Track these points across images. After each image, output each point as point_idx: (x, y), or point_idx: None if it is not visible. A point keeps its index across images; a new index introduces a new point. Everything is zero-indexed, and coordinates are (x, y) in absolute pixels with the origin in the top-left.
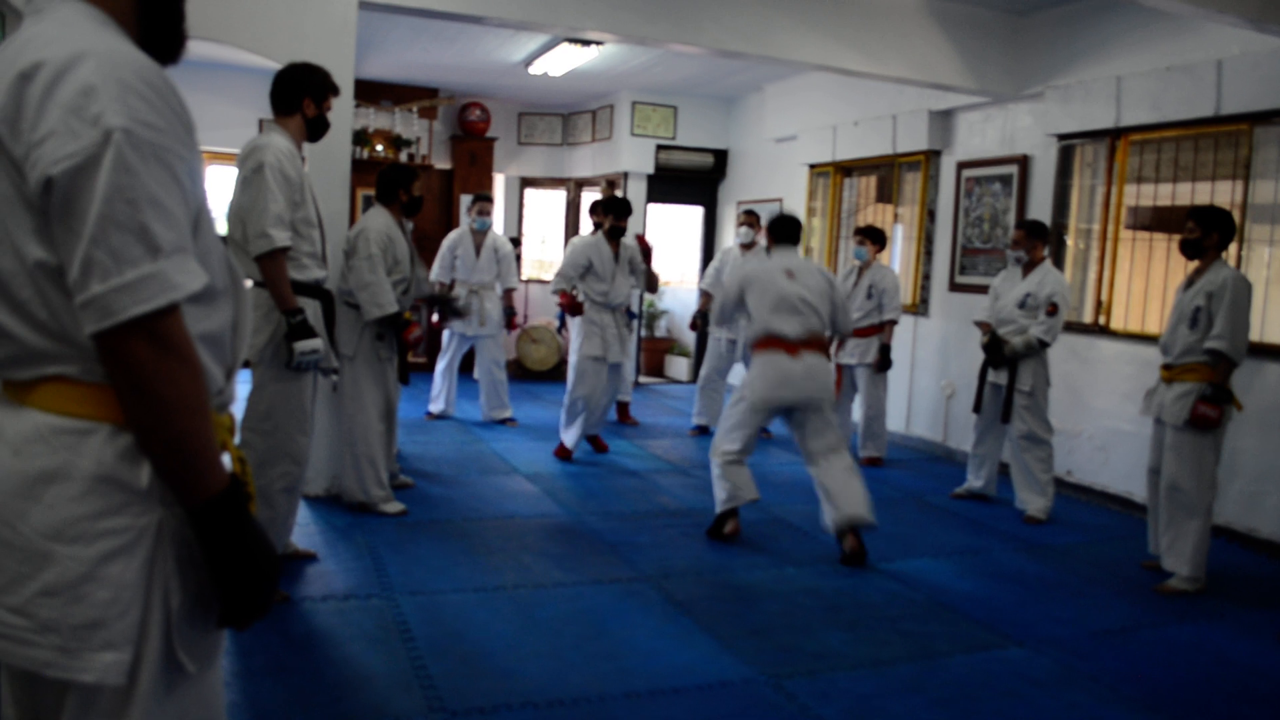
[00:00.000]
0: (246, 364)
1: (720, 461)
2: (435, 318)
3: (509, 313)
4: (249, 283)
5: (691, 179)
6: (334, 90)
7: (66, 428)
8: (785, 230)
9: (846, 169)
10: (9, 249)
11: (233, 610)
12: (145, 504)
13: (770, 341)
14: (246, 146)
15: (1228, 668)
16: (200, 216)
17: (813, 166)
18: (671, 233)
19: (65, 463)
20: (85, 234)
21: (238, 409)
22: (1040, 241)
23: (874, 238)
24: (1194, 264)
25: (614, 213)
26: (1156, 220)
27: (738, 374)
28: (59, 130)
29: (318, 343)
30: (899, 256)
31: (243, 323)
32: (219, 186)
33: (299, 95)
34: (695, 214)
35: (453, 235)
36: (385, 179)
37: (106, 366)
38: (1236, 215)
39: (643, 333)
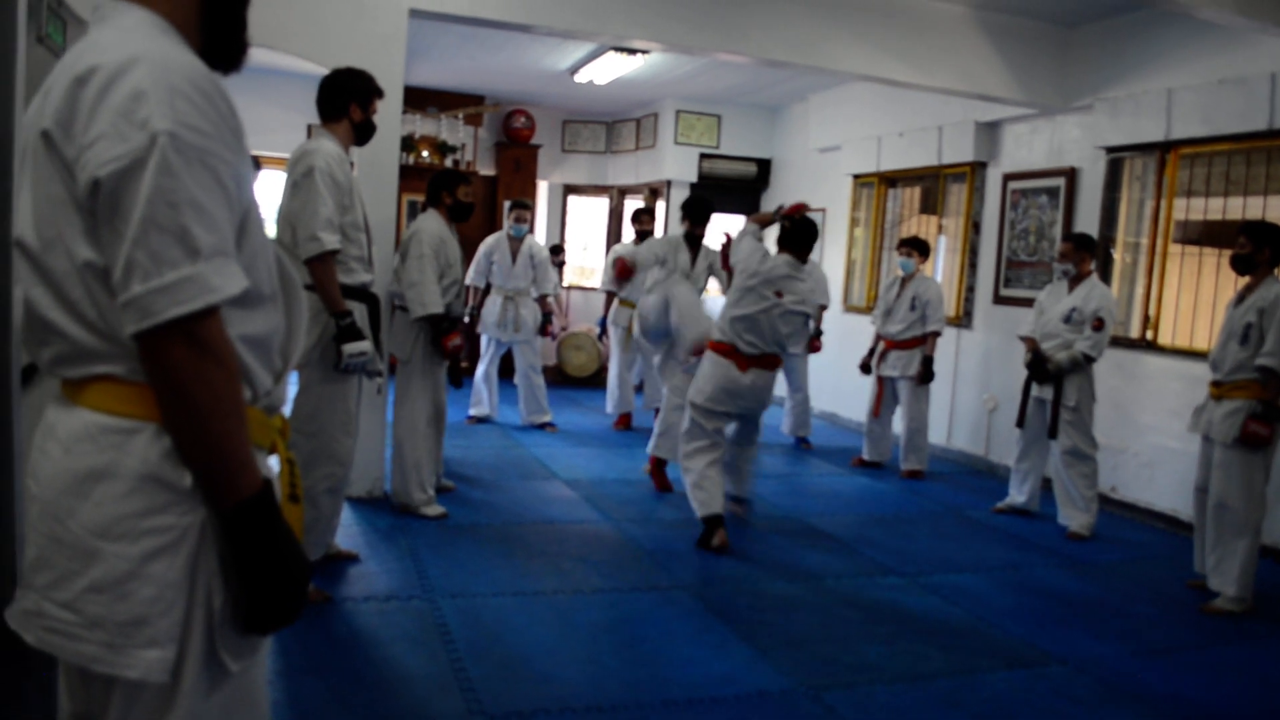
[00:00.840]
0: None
1: (690, 479)
2: (467, 320)
3: (545, 318)
4: None
5: (735, 188)
6: (379, 93)
7: (113, 426)
8: (797, 240)
9: (891, 180)
10: (61, 250)
11: (259, 615)
12: (189, 503)
13: (727, 349)
14: (296, 151)
15: (1274, 691)
16: (247, 220)
17: (857, 177)
18: (714, 241)
19: (112, 461)
20: (128, 235)
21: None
22: (1088, 255)
23: (919, 249)
24: (1244, 280)
25: (691, 218)
26: (1206, 235)
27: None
28: (108, 133)
29: (366, 345)
30: (942, 268)
31: (296, 326)
32: (268, 190)
33: (345, 100)
34: (738, 224)
35: (489, 240)
36: (432, 182)
37: (145, 367)
38: None
39: None
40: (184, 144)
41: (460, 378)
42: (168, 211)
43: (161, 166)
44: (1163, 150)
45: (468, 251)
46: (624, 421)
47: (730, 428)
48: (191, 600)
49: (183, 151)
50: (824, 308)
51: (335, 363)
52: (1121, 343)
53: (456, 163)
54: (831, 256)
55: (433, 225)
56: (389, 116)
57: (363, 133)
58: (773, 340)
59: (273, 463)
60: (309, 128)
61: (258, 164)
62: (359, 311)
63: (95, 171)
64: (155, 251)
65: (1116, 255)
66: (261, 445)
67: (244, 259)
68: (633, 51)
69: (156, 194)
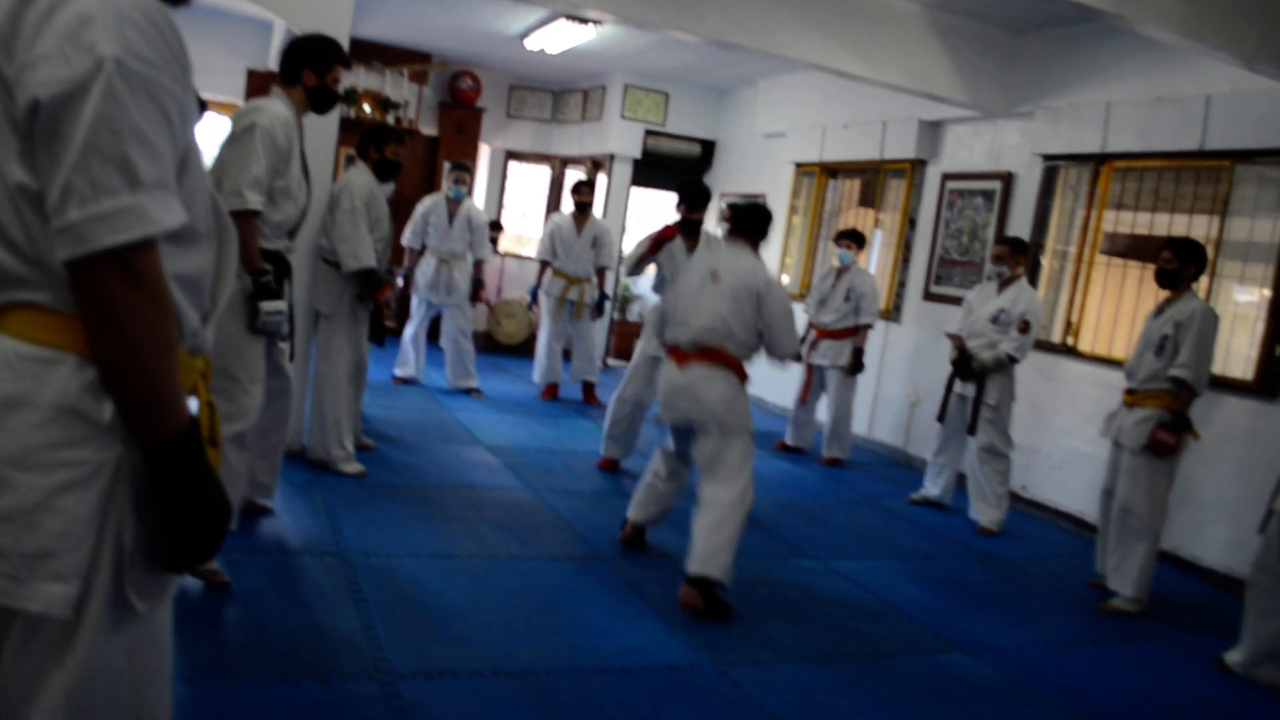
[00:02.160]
0: None
1: (646, 478)
2: (400, 283)
3: (476, 284)
4: None
5: (678, 167)
6: (342, 62)
7: (33, 355)
8: (745, 222)
9: (832, 170)
10: None
11: (180, 551)
12: (106, 439)
13: (668, 347)
14: (245, 106)
15: (1164, 689)
16: (188, 156)
17: (799, 165)
18: (653, 219)
19: (29, 390)
20: (68, 160)
21: None
22: (1021, 258)
23: (858, 241)
24: (1165, 293)
25: (687, 202)
26: (1132, 248)
27: None
28: (52, 55)
29: (282, 305)
30: (876, 262)
31: (226, 268)
32: (208, 134)
33: (299, 66)
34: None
35: (427, 201)
36: (362, 137)
37: (77, 296)
38: (1210, 250)
39: (615, 316)
40: (131, 72)
41: (383, 335)
42: (110, 139)
43: (107, 93)
44: (1097, 162)
45: (405, 212)
46: (551, 391)
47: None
48: (101, 537)
49: (129, 80)
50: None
51: (249, 321)
52: (1043, 346)
53: (399, 120)
54: (768, 243)
55: (362, 179)
56: None
57: (318, 100)
58: (716, 322)
59: (192, 405)
60: (248, 72)
61: (204, 105)
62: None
63: (36, 92)
64: (95, 178)
65: (1045, 261)
66: (184, 386)
67: (183, 195)
68: (585, 21)
69: (100, 120)
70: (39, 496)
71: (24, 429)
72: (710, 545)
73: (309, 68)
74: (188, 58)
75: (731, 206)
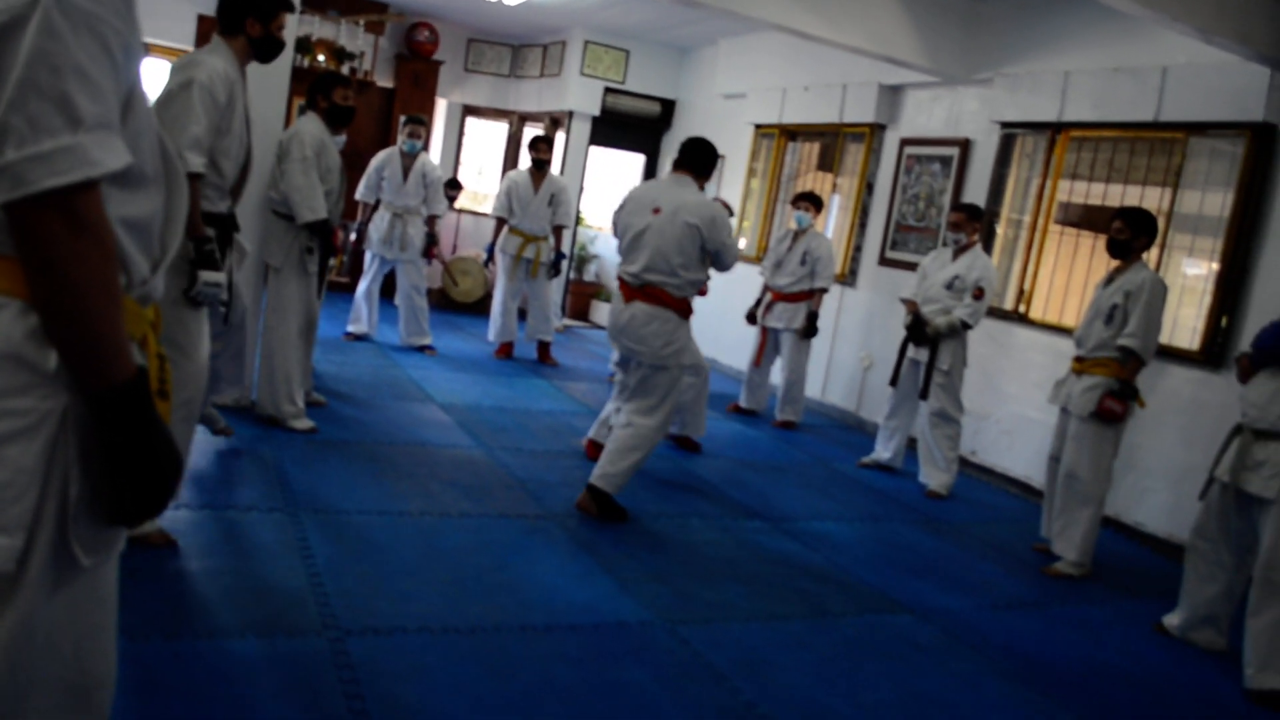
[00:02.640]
0: None
1: (606, 408)
2: (354, 237)
3: (430, 240)
4: None
5: (637, 126)
6: (286, 7)
7: None
8: (689, 155)
9: (792, 133)
10: None
11: (127, 505)
12: (51, 387)
13: (619, 281)
14: (180, 60)
15: (1104, 650)
16: (133, 97)
17: (759, 127)
18: (612, 178)
19: None
20: (3, 98)
21: None
22: (978, 225)
23: (815, 204)
24: (1115, 263)
25: (693, 167)
26: (1085, 219)
27: None
28: None
29: (221, 276)
30: (833, 226)
31: (176, 214)
32: (151, 80)
33: (242, 14)
34: (637, 161)
35: (381, 155)
36: (311, 85)
37: (15, 240)
38: (1161, 222)
39: (571, 276)
40: (71, 6)
41: (322, 289)
42: (49, 76)
43: (44, 27)
44: (1054, 131)
45: (357, 164)
46: (505, 350)
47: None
48: (45, 489)
49: (69, 15)
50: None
51: (187, 287)
52: (995, 313)
53: (354, 71)
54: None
55: (313, 128)
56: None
57: (263, 49)
58: (658, 259)
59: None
60: (198, 17)
61: (145, 48)
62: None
63: None
64: (33, 117)
65: (1000, 230)
66: (133, 336)
67: (128, 136)
68: None
69: (38, 56)
70: None
71: None
72: (616, 467)
73: (252, 16)
74: None
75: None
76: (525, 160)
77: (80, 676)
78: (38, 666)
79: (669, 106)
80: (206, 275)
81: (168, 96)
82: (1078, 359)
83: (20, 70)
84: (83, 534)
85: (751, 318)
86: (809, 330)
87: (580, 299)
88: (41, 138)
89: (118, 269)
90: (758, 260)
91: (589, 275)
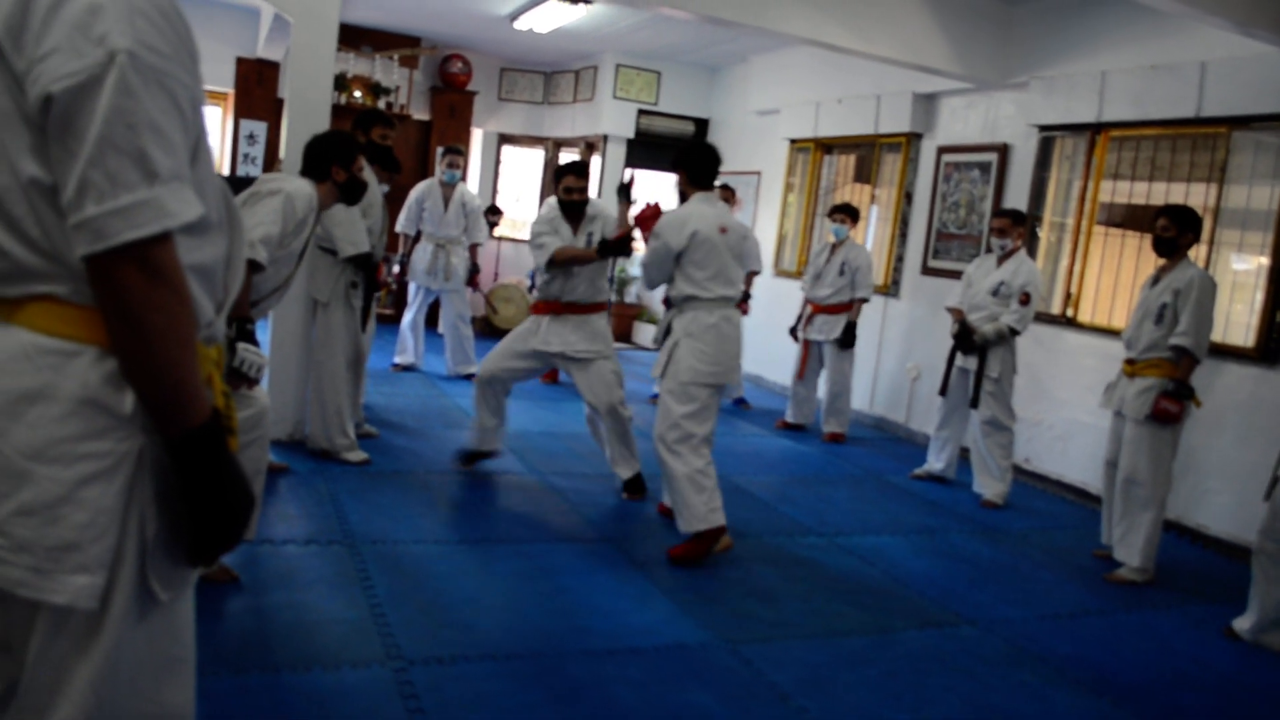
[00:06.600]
0: None
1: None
2: (397, 269)
3: (473, 269)
4: None
5: (671, 146)
6: (363, 151)
7: (52, 348)
8: (707, 167)
9: (827, 146)
10: (5, 165)
11: (202, 542)
12: (127, 430)
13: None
14: (278, 175)
15: (1172, 657)
16: (199, 146)
17: (793, 141)
18: (649, 199)
19: (49, 383)
20: (83, 155)
21: None
22: (1021, 230)
23: (852, 215)
24: (1161, 261)
25: (689, 172)
26: (1129, 218)
27: None
28: (63, 47)
29: (261, 352)
30: (873, 237)
31: (237, 257)
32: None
33: (327, 164)
34: (673, 182)
35: (421, 187)
36: (353, 122)
37: (96, 291)
38: (1208, 218)
39: (612, 298)
40: (143, 64)
41: (370, 319)
42: (125, 133)
43: (120, 86)
44: (1093, 131)
45: (399, 198)
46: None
47: None
48: (125, 528)
49: (142, 71)
50: (755, 273)
51: (229, 360)
52: (1042, 318)
53: (390, 105)
54: (764, 221)
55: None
56: (323, 54)
57: (348, 191)
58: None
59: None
60: (237, 60)
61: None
62: None
63: (48, 87)
64: (112, 173)
65: (1042, 233)
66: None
67: (195, 183)
68: (575, 1)
69: (114, 114)
70: (62, 489)
71: (45, 422)
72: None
73: (336, 164)
74: (195, 46)
75: (725, 187)
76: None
77: (160, 710)
78: (121, 700)
79: (702, 125)
80: (247, 349)
81: (252, 196)
82: (1129, 361)
83: (99, 127)
84: (160, 570)
85: (793, 332)
86: (847, 340)
87: (622, 321)
88: (120, 192)
89: (194, 317)
90: (798, 275)
91: (629, 297)
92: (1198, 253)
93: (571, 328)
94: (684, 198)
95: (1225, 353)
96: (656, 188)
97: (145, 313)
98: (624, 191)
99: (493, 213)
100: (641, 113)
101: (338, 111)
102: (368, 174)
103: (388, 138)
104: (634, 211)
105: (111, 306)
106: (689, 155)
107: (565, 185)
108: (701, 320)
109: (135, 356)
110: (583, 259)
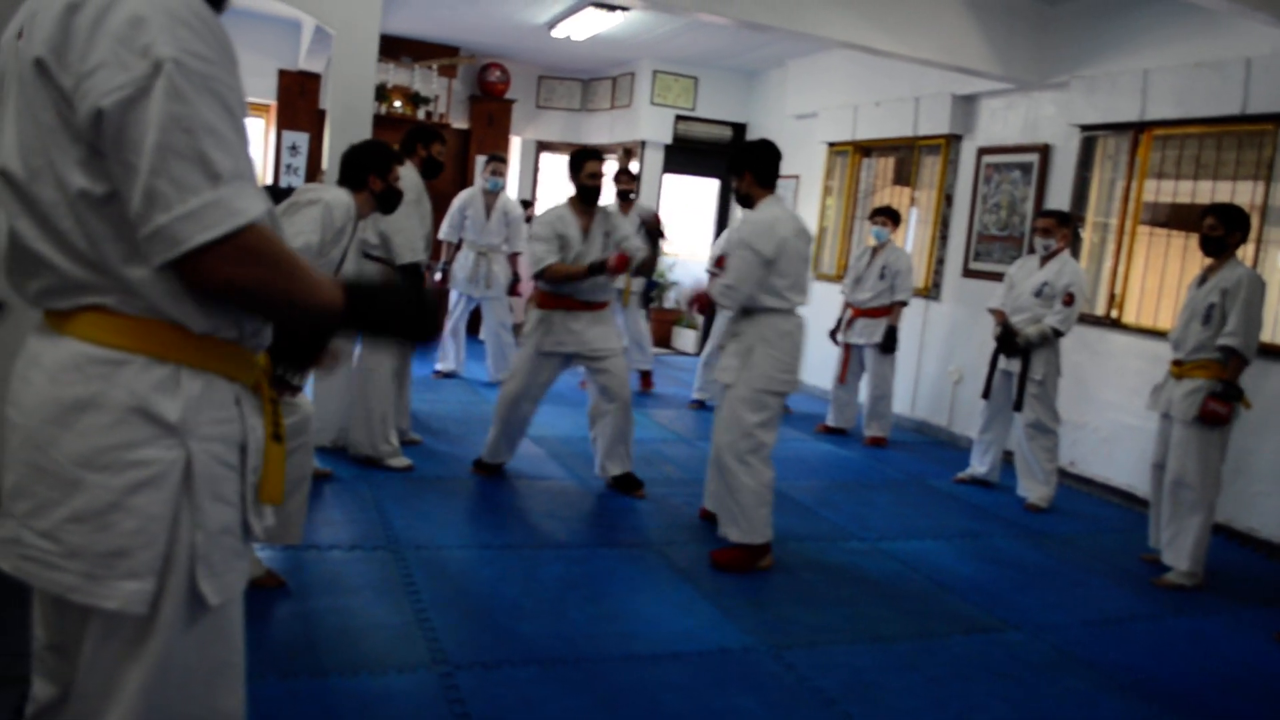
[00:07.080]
0: None
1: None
2: (439, 277)
3: (515, 277)
4: None
5: (709, 151)
6: (399, 161)
7: (101, 357)
8: (774, 167)
9: (866, 149)
10: (51, 179)
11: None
12: (176, 437)
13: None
14: (317, 186)
15: (1222, 662)
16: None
17: (832, 145)
18: (686, 205)
19: (98, 392)
20: (143, 166)
21: None
22: (1066, 230)
23: (893, 218)
24: (1208, 261)
25: (757, 173)
26: (1173, 217)
27: None
28: (109, 61)
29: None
30: (913, 240)
31: None
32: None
33: (364, 173)
34: (711, 187)
35: (464, 195)
36: (409, 134)
37: (194, 290)
38: (1255, 216)
39: (652, 302)
40: (190, 70)
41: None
42: (184, 138)
43: (170, 92)
44: (1136, 130)
45: (440, 206)
46: None
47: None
48: (174, 534)
49: (190, 77)
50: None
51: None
52: (1087, 320)
53: (429, 114)
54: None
55: (412, 175)
56: (364, 65)
57: (385, 200)
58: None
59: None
60: (279, 73)
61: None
62: None
63: (98, 102)
64: (176, 179)
65: (1085, 234)
66: (245, 382)
67: None
68: (612, 8)
69: (170, 121)
70: (112, 496)
71: (94, 430)
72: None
73: (372, 174)
74: (234, 52)
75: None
76: (610, 192)
77: (211, 714)
78: (172, 705)
79: (740, 130)
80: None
81: (291, 206)
82: (1176, 362)
83: (155, 135)
84: (210, 576)
85: (833, 336)
86: (888, 345)
87: (662, 326)
88: (187, 196)
89: (296, 268)
90: (838, 279)
91: (669, 302)
92: (1245, 252)
93: (586, 324)
94: (748, 200)
95: (1275, 353)
96: (694, 193)
97: (250, 287)
98: (653, 234)
99: (525, 206)
100: (679, 118)
101: (378, 121)
102: (419, 184)
103: (442, 155)
104: (683, 291)
105: (223, 297)
106: (756, 155)
107: (589, 171)
108: (779, 326)
109: (278, 319)
110: (574, 276)
